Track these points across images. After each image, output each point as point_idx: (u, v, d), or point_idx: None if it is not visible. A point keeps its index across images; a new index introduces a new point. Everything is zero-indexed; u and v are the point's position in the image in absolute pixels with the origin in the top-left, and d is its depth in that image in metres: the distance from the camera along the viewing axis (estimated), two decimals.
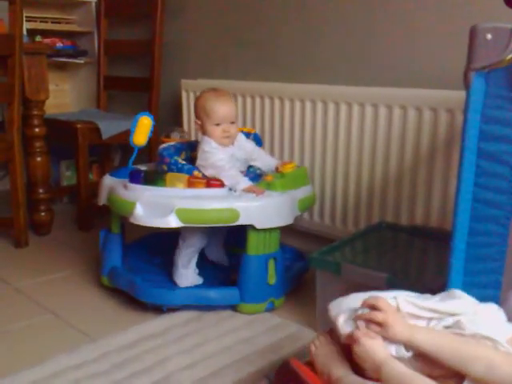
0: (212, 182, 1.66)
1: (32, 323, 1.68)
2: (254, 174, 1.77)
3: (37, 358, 1.46)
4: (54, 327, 1.66)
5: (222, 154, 1.73)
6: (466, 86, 1.18)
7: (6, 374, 1.38)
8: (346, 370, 1.07)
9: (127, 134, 1.88)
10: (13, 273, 2.04)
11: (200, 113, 1.77)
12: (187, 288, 1.75)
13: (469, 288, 1.15)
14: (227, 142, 1.76)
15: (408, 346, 1.00)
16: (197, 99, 1.81)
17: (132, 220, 1.64)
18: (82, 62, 2.98)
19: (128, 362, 1.44)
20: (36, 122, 2.34)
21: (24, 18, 2.44)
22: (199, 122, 1.78)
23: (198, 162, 1.75)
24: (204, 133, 1.77)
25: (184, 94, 2.52)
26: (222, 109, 1.74)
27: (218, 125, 1.74)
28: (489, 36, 1.14)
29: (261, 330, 1.61)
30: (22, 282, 1.97)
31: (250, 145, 1.86)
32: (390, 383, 0.97)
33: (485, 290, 1.11)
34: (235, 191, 1.67)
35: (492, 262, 1.18)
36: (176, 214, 1.57)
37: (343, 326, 1.09)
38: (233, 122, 1.77)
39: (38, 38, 2.78)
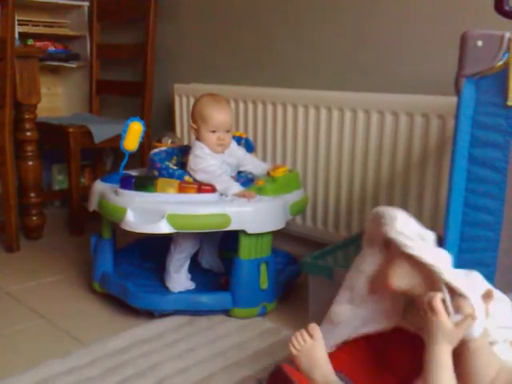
0: (203, 188, 1.65)
1: (23, 328, 1.67)
2: (246, 179, 1.77)
3: (28, 363, 1.45)
4: (46, 332, 1.65)
5: (213, 160, 1.73)
6: (457, 92, 1.19)
7: None
8: (331, 375, 1.08)
9: (119, 138, 1.88)
10: (4, 277, 2.03)
11: (196, 117, 1.76)
12: (179, 293, 1.74)
13: None
14: (220, 149, 1.76)
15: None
16: (195, 103, 1.80)
17: (123, 226, 1.63)
18: (74, 65, 2.97)
19: (120, 367, 1.44)
20: (28, 125, 2.33)
21: (16, 22, 2.43)
22: (195, 127, 1.77)
23: (189, 166, 1.75)
24: (198, 138, 1.77)
25: (177, 99, 2.52)
26: (219, 117, 1.73)
27: (213, 132, 1.74)
28: (479, 43, 1.15)
29: (253, 335, 1.61)
30: (14, 286, 1.96)
31: (240, 152, 1.86)
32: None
33: None
34: (226, 196, 1.67)
35: (483, 267, 1.19)
36: (167, 219, 1.57)
37: None
38: (228, 131, 1.76)
39: (30, 42, 2.77)
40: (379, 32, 1.95)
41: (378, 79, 1.96)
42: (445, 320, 0.96)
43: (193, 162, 1.74)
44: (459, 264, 1.20)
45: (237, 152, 1.84)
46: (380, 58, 1.96)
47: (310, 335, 1.13)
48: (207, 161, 1.73)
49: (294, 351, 1.13)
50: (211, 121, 1.73)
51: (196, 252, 1.84)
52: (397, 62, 1.91)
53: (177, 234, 1.69)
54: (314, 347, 1.12)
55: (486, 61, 1.14)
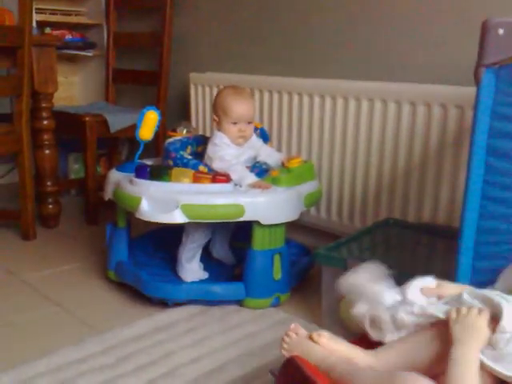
0: (218, 178, 1.65)
1: (38, 315, 1.68)
2: (260, 169, 1.76)
3: (42, 350, 1.46)
4: (60, 320, 1.66)
5: (230, 150, 1.73)
6: (477, 82, 1.17)
7: (11, 366, 1.38)
8: (329, 357, 1.07)
9: (135, 127, 1.88)
10: (20, 265, 2.05)
11: (218, 109, 1.76)
12: (193, 283, 1.74)
13: (476, 286, 1.14)
14: (241, 141, 1.76)
15: None
16: (216, 95, 1.80)
17: (138, 215, 1.64)
18: (90, 54, 2.98)
19: (133, 356, 1.44)
20: (44, 114, 2.35)
21: (34, 10, 2.44)
22: (216, 119, 1.77)
23: (207, 154, 1.75)
24: (220, 129, 1.76)
25: (192, 88, 2.51)
26: (240, 108, 1.72)
27: (234, 123, 1.73)
28: (501, 31, 1.12)
29: (266, 325, 1.61)
30: (29, 274, 1.98)
31: (259, 143, 1.85)
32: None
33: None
34: (241, 186, 1.66)
35: (500, 260, 1.17)
36: (181, 209, 1.57)
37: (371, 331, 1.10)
38: (250, 123, 1.75)
39: (48, 30, 2.78)
40: (396, 20, 1.92)
41: (395, 68, 1.94)
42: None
43: (211, 149, 1.74)
44: (475, 257, 1.19)
45: (256, 144, 1.83)
46: (397, 46, 1.93)
47: (296, 333, 1.14)
48: (224, 149, 1.72)
49: (283, 351, 1.14)
50: (232, 113, 1.72)
51: (208, 242, 1.84)
52: (415, 50, 1.89)
53: (189, 223, 1.69)
54: (301, 339, 1.13)
55: (508, 50, 1.12)
